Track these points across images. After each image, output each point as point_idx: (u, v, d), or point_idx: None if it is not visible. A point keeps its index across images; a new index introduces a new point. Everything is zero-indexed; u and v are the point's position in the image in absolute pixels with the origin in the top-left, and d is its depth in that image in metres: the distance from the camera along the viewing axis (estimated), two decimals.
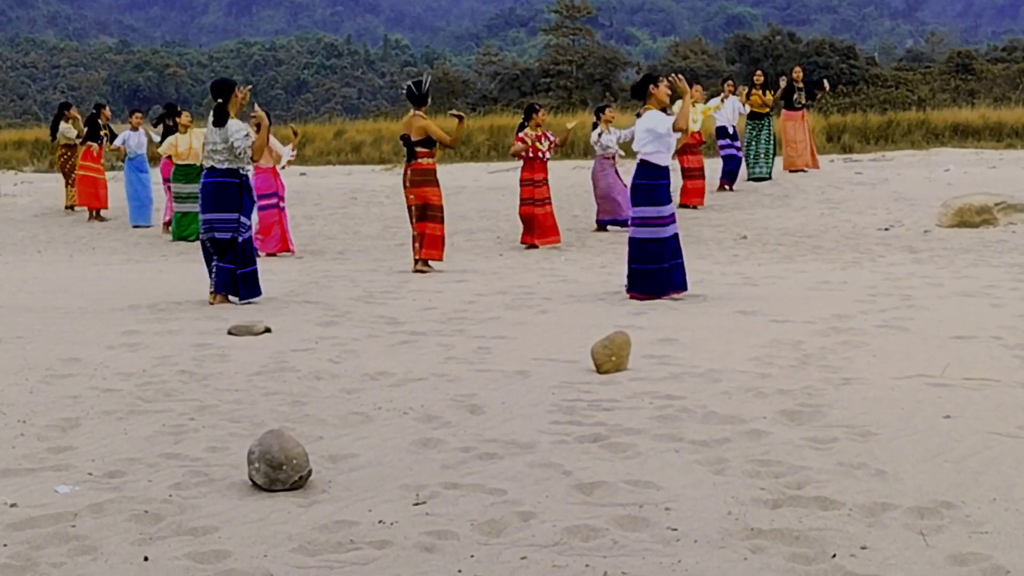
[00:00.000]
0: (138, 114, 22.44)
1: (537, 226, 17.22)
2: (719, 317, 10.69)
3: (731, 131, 22.46)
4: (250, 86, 12.56)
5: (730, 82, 23.67)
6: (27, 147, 36.27)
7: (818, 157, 25.52)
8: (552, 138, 17.36)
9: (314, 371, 8.56)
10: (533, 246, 17.20)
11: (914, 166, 26.53)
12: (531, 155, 17.13)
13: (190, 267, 15.83)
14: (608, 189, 18.35)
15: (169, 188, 19.76)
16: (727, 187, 22.57)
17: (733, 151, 22.65)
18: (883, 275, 13.36)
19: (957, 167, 25.47)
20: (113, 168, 25.85)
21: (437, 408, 7.38)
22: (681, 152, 19.83)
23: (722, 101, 22.26)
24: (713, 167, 22.44)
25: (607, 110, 19.05)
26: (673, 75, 12.11)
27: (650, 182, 11.79)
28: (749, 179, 23.42)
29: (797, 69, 25.18)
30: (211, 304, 11.86)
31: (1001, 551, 4.81)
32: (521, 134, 17.26)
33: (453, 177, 25.60)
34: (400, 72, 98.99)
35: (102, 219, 22.34)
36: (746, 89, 23.47)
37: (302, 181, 26.17)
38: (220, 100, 12.11)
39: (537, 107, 17.86)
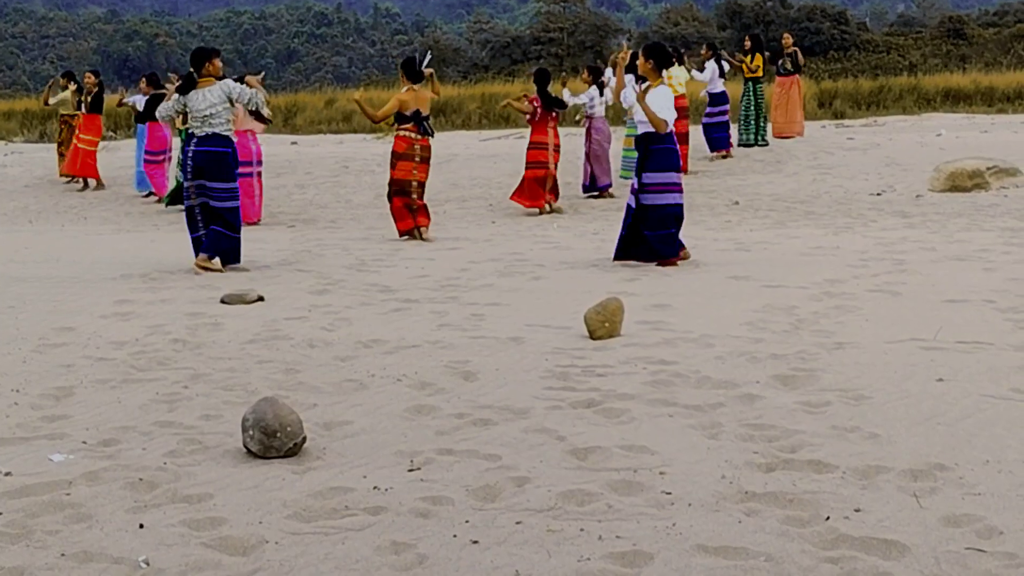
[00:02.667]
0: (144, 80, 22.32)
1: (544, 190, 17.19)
2: (712, 283, 10.69)
3: (722, 95, 22.30)
4: (263, 73, 12.46)
5: (706, 48, 23.54)
6: (17, 117, 36.08)
7: (804, 124, 25.33)
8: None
9: (307, 339, 8.55)
10: (542, 210, 17.16)
11: (906, 131, 26.49)
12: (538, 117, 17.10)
13: (181, 236, 15.79)
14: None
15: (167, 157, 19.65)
16: (725, 155, 22.39)
17: (719, 118, 22.45)
18: (875, 240, 13.36)
19: (949, 132, 25.44)
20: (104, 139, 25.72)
21: (431, 375, 7.39)
22: None
23: (701, 67, 22.20)
24: (697, 133, 22.29)
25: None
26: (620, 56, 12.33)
27: (661, 147, 11.72)
28: (739, 145, 23.34)
29: (786, 35, 25.10)
30: (198, 269, 11.80)
31: (994, 512, 4.83)
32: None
33: (444, 145, 25.53)
34: (391, 40, 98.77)
35: (101, 187, 22.29)
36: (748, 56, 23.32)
37: (293, 150, 26.10)
38: (192, 69, 12.06)
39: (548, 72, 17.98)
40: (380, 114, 14.37)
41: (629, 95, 12.25)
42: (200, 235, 12.04)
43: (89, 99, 22.23)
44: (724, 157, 22.25)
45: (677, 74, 19.92)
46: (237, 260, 12.06)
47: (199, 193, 11.98)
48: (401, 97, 14.31)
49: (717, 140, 22.41)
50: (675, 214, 11.75)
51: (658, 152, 11.71)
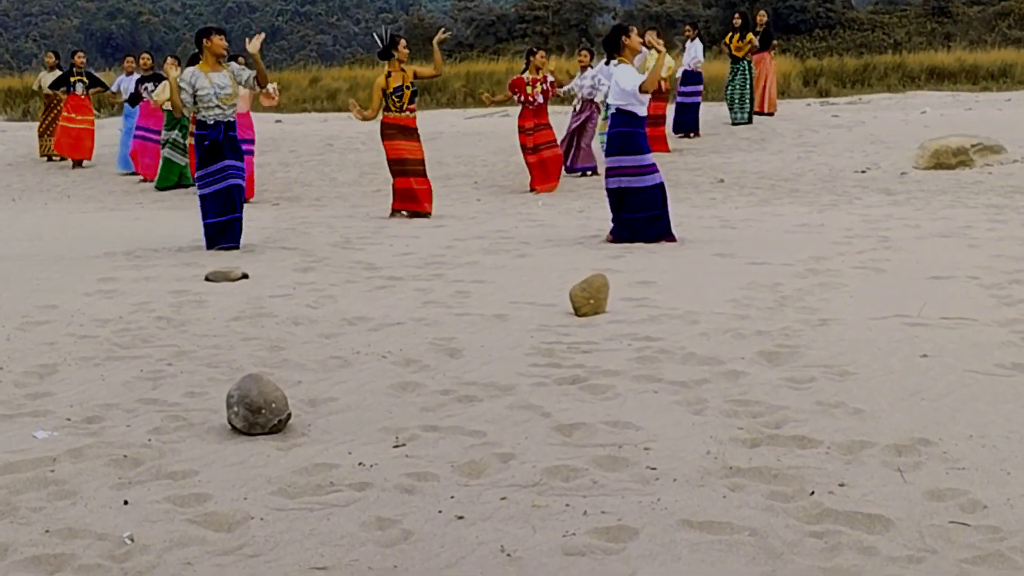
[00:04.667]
0: (129, 59, 22.17)
1: (554, 169, 17.18)
2: (697, 260, 10.70)
3: (698, 75, 22.28)
4: (263, 34, 12.42)
5: (688, 27, 23.49)
6: (0, 95, 35.88)
7: (776, 102, 25.21)
8: (550, 81, 17.22)
9: (292, 316, 8.54)
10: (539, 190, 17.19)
11: (890, 109, 26.51)
12: (523, 101, 17.04)
13: (165, 214, 15.76)
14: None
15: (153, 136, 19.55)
16: (690, 135, 22.31)
17: (694, 99, 22.39)
18: (860, 217, 13.38)
19: (933, 110, 25.47)
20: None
21: (416, 352, 7.38)
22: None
23: (683, 46, 22.18)
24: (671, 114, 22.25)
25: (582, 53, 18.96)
26: (651, 36, 12.06)
27: (627, 130, 11.70)
28: (733, 123, 23.32)
29: (761, 13, 25.09)
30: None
31: (978, 486, 4.85)
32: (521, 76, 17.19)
33: (430, 123, 25.45)
34: (375, 19, 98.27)
35: (81, 167, 22.22)
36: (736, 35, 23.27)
37: (278, 128, 26.00)
38: (197, 50, 12.11)
39: (535, 50, 17.71)
40: (371, 111, 14.47)
41: (577, 82, 12.35)
42: (233, 219, 12.01)
43: (86, 79, 22.13)
44: (689, 137, 22.18)
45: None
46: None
47: (236, 174, 12.03)
48: (379, 83, 14.40)
49: (691, 122, 22.33)
50: (660, 195, 11.72)
51: (616, 136, 11.70)
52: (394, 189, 14.78)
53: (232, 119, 11.89)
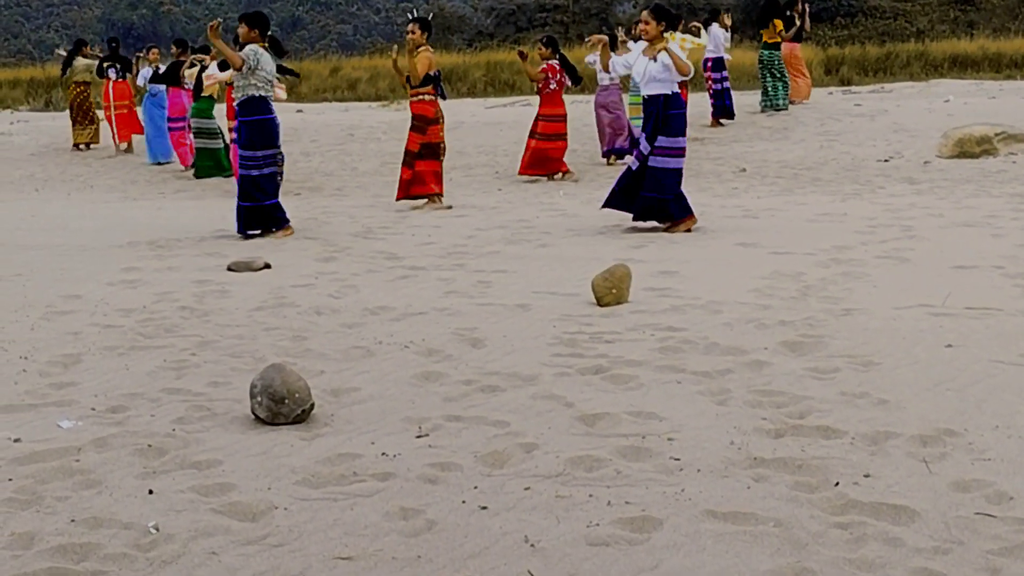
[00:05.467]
0: (155, 50, 22.25)
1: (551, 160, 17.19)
2: (719, 249, 10.67)
3: (723, 61, 22.24)
4: (219, 20, 12.51)
5: (724, 14, 23.47)
6: (22, 86, 35.98)
7: (807, 89, 25.19)
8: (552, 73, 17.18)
9: (314, 306, 8.55)
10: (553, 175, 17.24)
11: (913, 97, 26.38)
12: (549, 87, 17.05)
13: (188, 204, 15.80)
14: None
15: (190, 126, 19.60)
16: (720, 123, 22.37)
17: (726, 84, 22.39)
18: (883, 206, 13.32)
19: (957, 98, 25.33)
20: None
21: (438, 342, 7.38)
22: None
23: (706, 31, 22.16)
24: (696, 101, 22.19)
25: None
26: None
27: (680, 112, 11.80)
28: (764, 110, 23.28)
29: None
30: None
31: (1004, 477, 4.82)
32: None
33: (451, 113, 25.41)
34: (396, 8, 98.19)
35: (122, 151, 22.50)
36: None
37: (299, 118, 26.03)
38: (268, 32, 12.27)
39: (539, 41, 17.76)
40: (420, 72, 13.92)
41: (618, 64, 12.25)
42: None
43: (119, 65, 22.38)
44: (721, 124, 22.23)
45: (687, 38, 19.88)
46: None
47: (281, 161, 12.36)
48: (431, 56, 14.05)
49: (727, 108, 22.36)
50: (678, 179, 11.77)
51: (674, 117, 11.71)
52: (421, 173, 14.29)
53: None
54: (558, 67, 17.02)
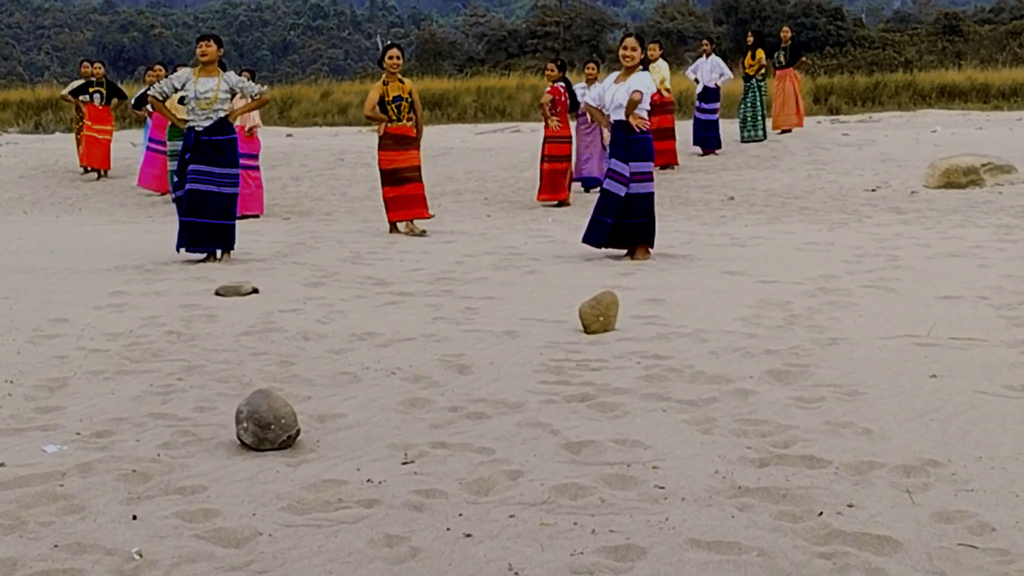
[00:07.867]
0: (159, 68, 22.22)
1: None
2: (706, 277, 10.70)
3: (714, 92, 22.35)
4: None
5: (705, 42, 23.68)
6: (12, 108, 36.04)
7: (804, 117, 25.37)
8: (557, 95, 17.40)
9: (302, 331, 8.55)
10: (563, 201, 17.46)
11: (901, 127, 26.51)
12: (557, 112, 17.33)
13: (176, 228, 15.77)
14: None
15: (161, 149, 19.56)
16: (714, 153, 22.43)
17: (712, 116, 22.47)
18: (870, 236, 13.38)
19: (944, 128, 25.45)
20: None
21: (425, 368, 7.39)
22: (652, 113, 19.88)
23: (705, 58, 22.32)
24: (682, 128, 22.26)
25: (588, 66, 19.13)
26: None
27: (647, 137, 11.94)
28: (742, 141, 23.37)
29: (785, 29, 25.09)
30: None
31: (987, 508, 4.84)
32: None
33: (440, 138, 25.52)
34: (387, 33, 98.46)
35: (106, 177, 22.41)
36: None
37: (289, 142, 26.07)
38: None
39: (551, 61, 18.08)
40: (380, 124, 14.60)
41: (588, 98, 12.61)
42: (202, 223, 12.36)
43: (104, 91, 22.27)
44: (715, 153, 22.30)
45: (662, 67, 20.24)
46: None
47: (203, 179, 12.34)
48: (375, 92, 14.62)
49: (714, 139, 22.42)
50: (651, 203, 11.94)
51: (641, 142, 11.86)
52: (386, 199, 14.70)
53: (208, 125, 12.16)
54: (563, 89, 17.23)
